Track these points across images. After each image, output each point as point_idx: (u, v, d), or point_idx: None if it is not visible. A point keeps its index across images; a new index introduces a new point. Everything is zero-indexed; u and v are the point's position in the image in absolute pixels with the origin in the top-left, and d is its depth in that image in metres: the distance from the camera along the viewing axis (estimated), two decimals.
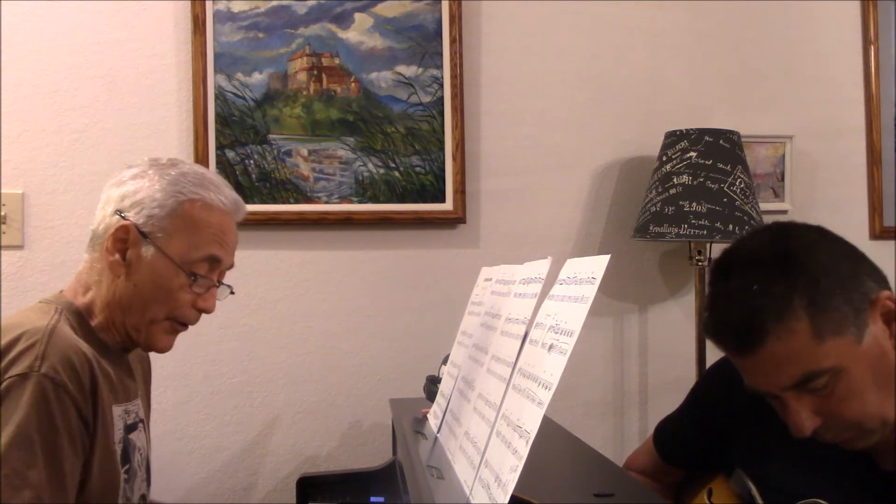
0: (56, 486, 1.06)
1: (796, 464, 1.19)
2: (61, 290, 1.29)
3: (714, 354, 2.09)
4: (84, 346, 1.16)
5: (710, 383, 1.41)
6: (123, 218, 1.22)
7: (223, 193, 1.29)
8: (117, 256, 1.23)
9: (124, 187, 1.25)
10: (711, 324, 1.11)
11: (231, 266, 1.32)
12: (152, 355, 1.43)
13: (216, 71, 2.12)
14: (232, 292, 1.35)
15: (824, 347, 1.03)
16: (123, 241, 1.22)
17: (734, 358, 1.11)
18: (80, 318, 1.22)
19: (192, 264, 1.24)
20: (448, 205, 2.21)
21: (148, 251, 1.22)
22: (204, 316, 1.30)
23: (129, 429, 1.26)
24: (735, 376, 1.20)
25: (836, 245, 1.10)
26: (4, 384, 1.05)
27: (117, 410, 1.21)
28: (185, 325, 1.29)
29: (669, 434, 1.47)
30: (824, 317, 1.02)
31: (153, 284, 1.23)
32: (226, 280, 1.33)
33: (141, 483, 1.30)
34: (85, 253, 1.29)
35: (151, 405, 1.46)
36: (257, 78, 2.15)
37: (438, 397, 1.48)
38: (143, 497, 1.32)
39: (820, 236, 1.11)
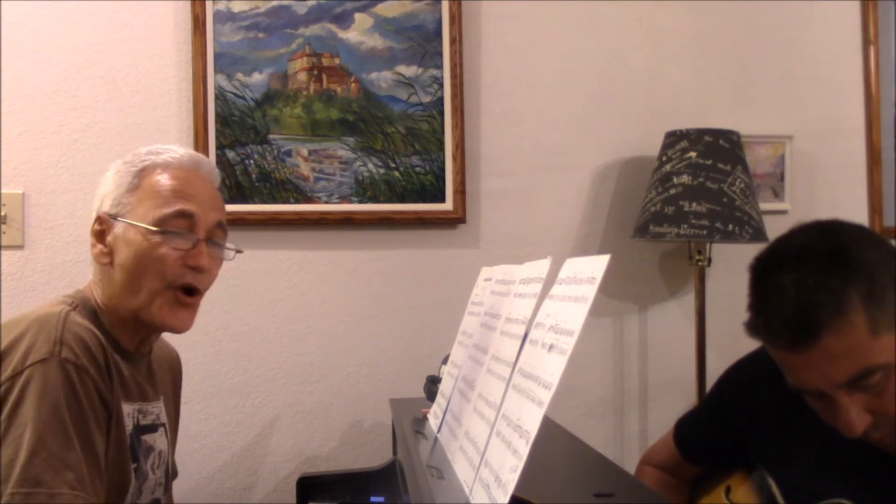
0: (92, 466, 1.07)
1: (818, 464, 1.19)
2: (80, 288, 1.29)
3: (715, 355, 2.10)
4: (96, 331, 1.17)
5: (731, 382, 1.40)
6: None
7: (175, 152, 1.30)
8: (99, 246, 1.25)
9: (99, 191, 1.30)
10: (762, 320, 1.09)
11: (219, 222, 1.30)
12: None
13: (216, 71, 2.13)
14: (239, 251, 1.35)
15: (880, 342, 1.02)
16: (101, 231, 1.26)
17: (786, 354, 1.09)
18: (94, 315, 1.23)
19: (162, 222, 1.23)
20: (448, 205, 2.21)
21: (119, 228, 1.24)
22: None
23: (143, 429, 1.25)
24: (757, 375, 1.20)
25: (882, 242, 1.11)
26: (26, 372, 1.06)
27: (127, 408, 1.21)
28: (191, 295, 1.26)
29: (690, 432, 1.47)
30: (880, 311, 1.02)
31: (133, 255, 1.22)
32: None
33: (155, 486, 1.29)
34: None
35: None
36: (257, 78, 2.15)
37: (438, 397, 1.48)
38: (157, 501, 1.31)
39: (865, 234, 1.12)
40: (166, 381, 1.41)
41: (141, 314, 1.23)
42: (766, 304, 1.09)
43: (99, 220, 1.26)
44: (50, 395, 1.05)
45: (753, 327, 1.12)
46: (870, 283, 1.03)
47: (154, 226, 1.22)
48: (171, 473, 1.40)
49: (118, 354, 1.21)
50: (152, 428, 1.28)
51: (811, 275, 1.04)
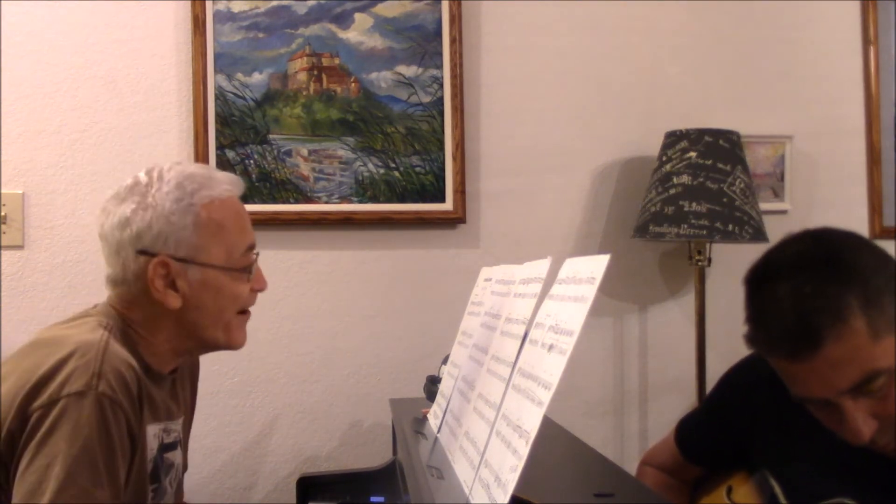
0: (116, 501, 1.06)
1: (820, 464, 1.19)
2: (109, 303, 1.25)
3: (715, 355, 2.10)
4: (133, 361, 1.15)
5: (732, 383, 1.40)
6: (153, 255, 1.20)
7: (221, 181, 1.28)
8: (172, 293, 1.21)
9: (133, 226, 1.20)
10: (762, 332, 1.09)
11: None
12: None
13: (216, 71, 2.13)
14: (256, 253, 1.36)
15: (882, 346, 1.02)
16: (166, 276, 1.20)
17: (788, 364, 1.08)
18: (127, 338, 1.21)
19: (238, 261, 1.25)
20: (448, 205, 2.21)
21: (195, 273, 1.21)
22: None
23: (166, 448, 1.25)
24: (757, 378, 1.19)
25: (874, 247, 1.11)
26: (62, 402, 1.04)
27: (153, 429, 1.21)
28: (249, 312, 1.32)
29: (691, 433, 1.47)
30: (879, 315, 1.02)
31: (217, 298, 1.23)
32: None
33: (169, 499, 1.30)
34: (106, 289, 1.26)
35: None
36: (257, 78, 2.15)
37: (438, 397, 1.48)
38: None
39: (858, 240, 1.11)
40: (187, 390, 1.42)
41: (217, 342, 1.28)
42: (765, 316, 1.08)
43: (164, 264, 1.19)
44: (83, 430, 1.04)
45: (753, 340, 1.11)
46: (866, 288, 1.02)
47: (233, 266, 1.24)
48: (183, 469, 1.41)
49: (148, 377, 1.21)
50: (173, 445, 1.29)
51: (808, 282, 1.04)
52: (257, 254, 1.33)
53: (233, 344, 1.30)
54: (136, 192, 1.21)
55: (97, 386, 1.06)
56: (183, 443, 1.37)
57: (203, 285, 1.22)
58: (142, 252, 1.19)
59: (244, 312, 1.30)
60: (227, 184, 1.29)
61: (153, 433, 1.21)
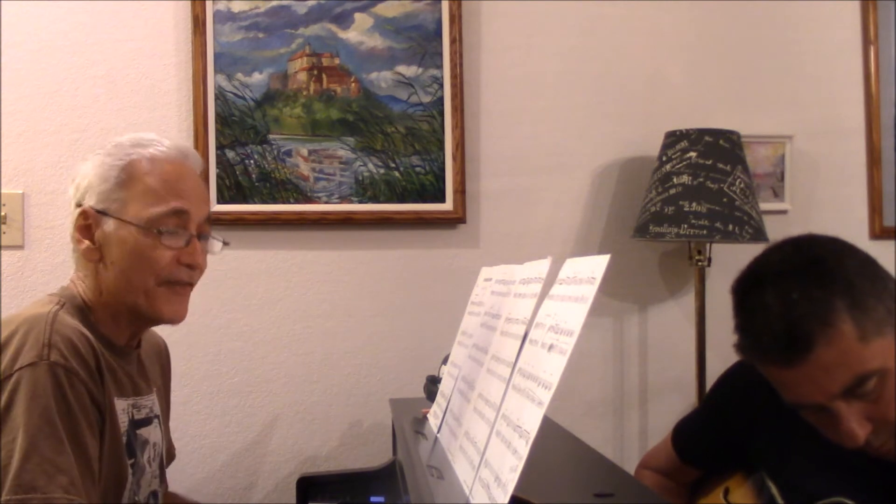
0: (84, 470, 1.07)
1: (817, 465, 1.19)
2: (65, 285, 1.28)
3: (715, 355, 2.10)
4: (87, 332, 1.15)
5: (728, 385, 1.41)
6: (80, 206, 1.24)
7: (162, 144, 1.27)
8: (87, 242, 1.23)
9: (75, 182, 1.28)
10: (752, 340, 1.10)
11: (208, 217, 1.30)
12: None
13: (216, 71, 2.13)
14: (226, 243, 1.33)
15: (870, 348, 1.03)
16: (87, 226, 1.23)
17: (780, 370, 1.09)
18: (82, 312, 1.22)
19: (156, 221, 1.21)
20: (448, 205, 2.21)
21: (110, 225, 1.22)
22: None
23: (138, 424, 1.25)
24: (754, 379, 1.20)
25: (857, 252, 1.11)
26: (15, 376, 1.05)
27: (121, 404, 1.21)
28: (186, 285, 1.26)
29: (688, 435, 1.48)
30: (865, 317, 1.03)
31: (126, 254, 1.21)
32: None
33: (152, 479, 1.29)
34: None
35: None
36: (257, 78, 2.15)
37: (438, 397, 1.48)
38: (154, 494, 1.31)
39: (840, 244, 1.12)
40: (156, 371, 1.41)
41: (139, 309, 1.23)
42: (754, 324, 1.09)
43: (84, 214, 1.23)
44: (39, 399, 1.04)
45: (744, 348, 1.12)
46: (851, 291, 1.04)
47: (147, 225, 1.21)
48: (168, 459, 1.41)
49: (108, 351, 1.21)
50: (147, 421, 1.28)
51: (794, 288, 1.05)
52: (221, 242, 1.31)
53: (158, 315, 1.24)
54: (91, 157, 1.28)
55: (49, 356, 1.06)
56: (162, 424, 1.37)
57: (115, 239, 1.22)
58: (78, 205, 1.25)
59: (172, 284, 1.24)
60: (166, 147, 1.27)
61: (121, 408, 1.21)
